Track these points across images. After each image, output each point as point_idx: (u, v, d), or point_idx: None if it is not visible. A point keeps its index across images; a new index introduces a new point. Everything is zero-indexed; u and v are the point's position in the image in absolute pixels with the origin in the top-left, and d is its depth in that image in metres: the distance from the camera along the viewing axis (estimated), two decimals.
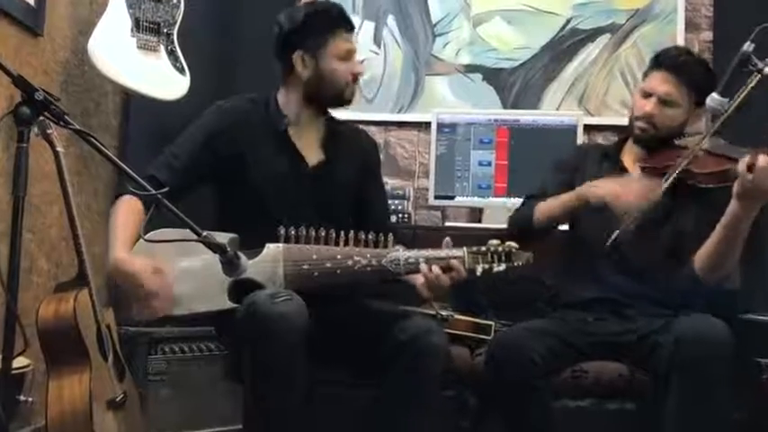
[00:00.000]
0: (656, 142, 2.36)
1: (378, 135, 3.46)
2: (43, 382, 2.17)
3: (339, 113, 2.38)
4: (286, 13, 2.27)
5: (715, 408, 2.06)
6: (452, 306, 2.69)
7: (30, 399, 2.13)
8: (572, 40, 3.50)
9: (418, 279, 2.11)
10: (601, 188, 2.28)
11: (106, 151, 1.74)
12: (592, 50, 3.49)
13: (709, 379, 2.04)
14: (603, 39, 3.48)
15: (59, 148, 2.27)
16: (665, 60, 2.37)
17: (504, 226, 2.51)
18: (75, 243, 2.30)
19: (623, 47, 3.47)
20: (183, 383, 2.84)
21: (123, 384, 2.34)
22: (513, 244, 2.10)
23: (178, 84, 3.00)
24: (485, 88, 3.53)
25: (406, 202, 3.28)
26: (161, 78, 2.95)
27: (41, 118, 1.73)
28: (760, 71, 2.10)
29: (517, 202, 2.62)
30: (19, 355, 1.78)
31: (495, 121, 3.25)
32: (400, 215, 3.22)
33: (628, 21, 3.47)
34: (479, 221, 3.27)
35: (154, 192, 1.77)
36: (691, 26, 3.44)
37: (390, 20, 3.60)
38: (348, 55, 2.25)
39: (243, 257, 1.78)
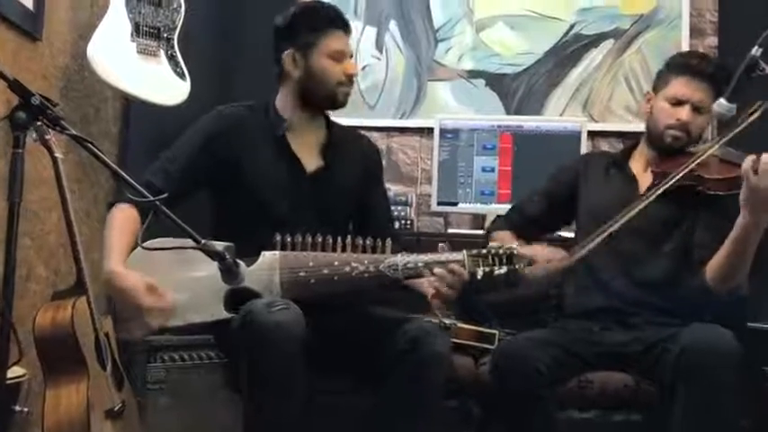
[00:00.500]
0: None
1: (380, 141, 3.44)
2: (39, 391, 2.14)
3: (341, 119, 2.36)
4: (282, 12, 2.27)
5: (722, 417, 2.03)
6: (455, 314, 2.66)
7: (25, 409, 2.10)
8: (576, 45, 3.48)
9: (424, 285, 2.09)
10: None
11: (103, 157, 1.73)
12: (596, 56, 3.46)
13: (716, 388, 2.02)
14: (607, 44, 3.46)
15: (58, 154, 2.24)
16: (694, 67, 2.32)
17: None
18: (73, 250, 2.27)
19: (627, 52, 3.44)
20: (183, 392, 2.80)
21: (122, 393, 2.31)
22: (514, 246, 2.07)
23: (178, 89, 2.97)
24: (488, 94, 3.51)
25: (408, 208, 3.27)
26: (161, 83, 2.93)
27: (39, 123, 1.71)
28: None
29: None
30: (14, 364, 1.75)
31: (499, 126, 3.23)
32: (403, 222, 3.21)
33: (632, 26, 3.44)
34: (483, 228, 3.24)
35: (151, 198, 1.74)
36: (695, 32, 3.41)
37: (392, 25, 3.58)
38: (339, 55, 2.22)
39: (242, 265, 1.76)
